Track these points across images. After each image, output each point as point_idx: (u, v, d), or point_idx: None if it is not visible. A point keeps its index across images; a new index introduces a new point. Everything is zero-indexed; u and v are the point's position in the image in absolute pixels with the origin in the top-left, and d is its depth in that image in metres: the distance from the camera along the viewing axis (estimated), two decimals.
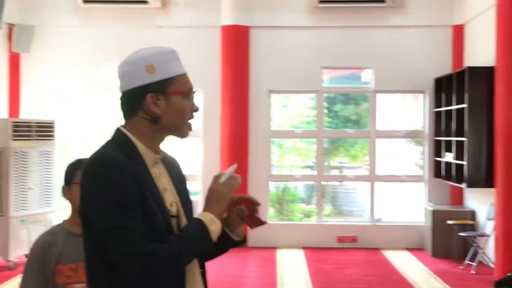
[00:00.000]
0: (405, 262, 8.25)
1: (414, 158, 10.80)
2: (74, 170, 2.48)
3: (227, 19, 9.23)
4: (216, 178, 1.93)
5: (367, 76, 9.80)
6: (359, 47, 9.39)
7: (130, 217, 1.74)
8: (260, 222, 2.02)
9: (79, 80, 9.44)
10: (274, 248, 9.12)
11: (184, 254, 1.80)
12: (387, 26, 9.32)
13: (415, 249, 9.00)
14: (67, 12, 9.48)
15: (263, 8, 9.34)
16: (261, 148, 9.51)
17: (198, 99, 9.64)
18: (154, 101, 1.87)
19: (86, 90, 9.56)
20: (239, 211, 1.99)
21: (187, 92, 1.92)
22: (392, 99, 12.55)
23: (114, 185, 1.75)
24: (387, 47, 9.36)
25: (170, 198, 1.91)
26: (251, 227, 2.03)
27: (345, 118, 15.20)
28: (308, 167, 15.04)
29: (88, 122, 9.74)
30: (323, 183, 10.18)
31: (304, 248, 9.13)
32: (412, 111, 11.81)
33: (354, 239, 9.30)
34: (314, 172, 10.49)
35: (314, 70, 9.40)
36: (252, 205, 2.01)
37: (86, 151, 9.02)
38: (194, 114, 1.95)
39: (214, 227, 1.84)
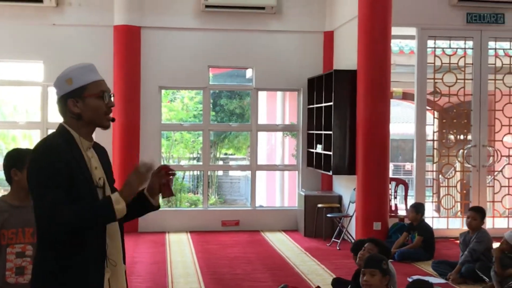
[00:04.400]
0: (280, 242, 9.29)
1: (290, 149, 11.91)
2: (24, 157, 3.19)
3: (119, 19, 9.81)
4: (136, 168, 2.62)
5: (249, 73, 10.73)
6: (241, 48, 10.29)
7: (56, 191, 2.45)
8: (171, 193, 2.73)
9: None
10: (164, 232, 9.86)
11: (87, 217, 2.48)
12: (267, 30, 10.29)
13: (290, 231, 10.08)
14: None
15: (153, 10, 10.01)
16: (152, 140, 10.15)
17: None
18: (74, 104, 2.62)
19: None
20: (160, 176, 2.70)
21: (99, 94, 2.64)
22: (271, 96, 13.65)
23: (49, 168, 2.48)
24: (267, 49, 10.32)
25: (99, 174, 2.68)
26: (163, 196, 2.73)
27: (230, 111, 16.14)
28: (194, 158, 15.86)
29: None
30: (209, 173, 10.95)
31: (191, 232, 9.92)
32: (288, 107, 12.96)
33: (236, 223, 10.21)
34: (200, 163, 11.26)
35: (202, 69, 10.20)
36: (170, 172, 2.71)
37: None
38: (111, 109, 2.68)
39: (118, 206, 2.53)
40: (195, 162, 15.31)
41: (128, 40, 9.86)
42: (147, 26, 9.98)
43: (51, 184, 2.46)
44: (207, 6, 9.92)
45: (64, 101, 2.64)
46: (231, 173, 19.86)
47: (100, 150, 2.78)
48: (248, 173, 16.93)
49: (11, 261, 3.18)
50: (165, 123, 10.90)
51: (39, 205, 2.48)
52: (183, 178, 15.16)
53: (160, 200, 2.84)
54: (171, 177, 2.74)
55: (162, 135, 10.83)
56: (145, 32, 9.98)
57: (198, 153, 15.56)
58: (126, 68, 9.82)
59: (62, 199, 2.46)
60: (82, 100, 2.63)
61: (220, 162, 16.62)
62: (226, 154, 18.96)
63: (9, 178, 3.25)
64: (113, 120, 2.72)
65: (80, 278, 2.54)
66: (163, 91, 10.54)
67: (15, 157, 3.26)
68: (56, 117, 10.10)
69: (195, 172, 15.65)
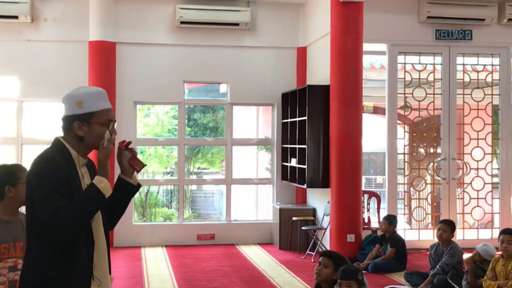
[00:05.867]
0: (256, 255, 9.39)
1: (264, 163, 12.03)
2: (17, 173, 3.28)
3: (94, 35, 9.87)
4: (100, 145, 2.70)
5: (224, 88, 10.87)
6: (216, 64, 10.42)
7: (60, 199, 2.54)
8: (142, 164, 2.82)
9: None
10: (139, 247, 9.88)
11: (80, 211, 2.57)
12: (241, 46, 10.45)
13: (265, 244, 10.19)
14: None
15: (128, 26, 10.10)
16: None
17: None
18: (80, 127, 2.71)
19: None
20: (124, 155, 2.80)
21: (105, 123, 2.74)
22: (246, 110, 13.78)
23: (52, 178, 2.57)
24: (241, 65, 10.47)
25: None
26: (137, 170, 2.81)
27: (203, 126, 16.23)
28: (168, 173, 15.89)
29: None
30: (184, 187, 10.99)
31: (167, 246, 9.96)
32: (263, 122, 13.09)
33: (212, 237, 10.29)
34: (175, 177, 11.31)
35: (177, 84, 10.30)
36: (127, 145, 2.80)
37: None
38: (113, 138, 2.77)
39: (102, 184, 2.63)
40: (169, 176, 15.34)
41: (103, 56, 9.92)
42: (122, 42, 10.05)
43: (55, 193, 2.55)
44: (182, 22, 10.04)
45: (71, 121, 2.72)
46: (205, 187, 19.88)
47: (90, 165, 2.87)
48: (222, 187, 17.00)
49: (4, 275, 3.27)
50: (141, 138, 10.95)
51: (44, 214, 2.54)
52: (158, 192, 15.17)
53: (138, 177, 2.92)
54: (132, 149, 2.83)
55: (137, 150, 10.86)
56: (120, 48, 10.06)
57: (171, 168, 15.60)
58: (101, 83, 9.82)
59: (64, 206, 2.54)
60: (88, 125, 2.72)
61: (194, 176, 16.67)
62: (199, 168, 19.01)
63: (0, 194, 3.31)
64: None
65: None
66: (138, 106, 10.60)
67: (7, 174, 3.34)
68: (30, 133, 10.11)
69: (169, 187, 15.67)
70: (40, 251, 2.62)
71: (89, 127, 2.71)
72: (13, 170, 3.35)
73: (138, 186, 2.90)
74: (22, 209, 3.49)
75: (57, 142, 2.75)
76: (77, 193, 2.65)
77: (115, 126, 2.80)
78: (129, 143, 2.86)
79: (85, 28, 9.89)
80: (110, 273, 2.87)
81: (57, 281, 2.60)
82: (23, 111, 10.00)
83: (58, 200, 2.55)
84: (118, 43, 10.03)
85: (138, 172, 2.85)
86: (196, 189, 19.26)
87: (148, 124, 14.00)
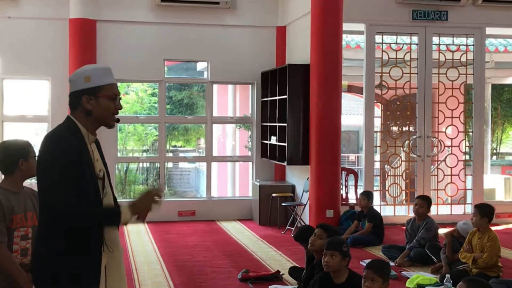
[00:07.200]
0: (237, 230, 9.59)
1: (243, 141, 12.19)
2: (28, 148, 3.47)
3: (75, 13, 9.86)
4: (152, 191, 2.83)
5: (201, 66, 10.95)
6: (196, 42, 10.49)
7: (69, 180, 2.69)
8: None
9: None
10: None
11: (93, 222, 2.75)
12: (221, 25, 10.53)
13: (245, 220, 10.40)
14: None
15: (109, 4, 10.10)
16: (108, 133, 10.22)
17: (45, 87, 10.24)
18: (88, 100, 2.84)
19: None
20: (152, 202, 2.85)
21: (112, 96, 2.87)
22: (223, 88, 13.88)
23: (61, 158, 2.70)
24: (221, 43, 10.56)
25: (99, 166, 2.90)
26: (138, 218, 2.85)
27: (179, 102, 16.30)
28: (145, 151, 15.98)
29: None
30: (160, 165, 11.02)
31: (148, 222, 10.08)
32: (240, 100, 13.23)
33: (193, 213, 10.45)
34: (155, 155, 11.40)
35: (157, 62, 10.36)
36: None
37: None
38: (118, 111, 2.91)
39: (125, 216, 2.73)
40: (145, 154, 15.43)
41: (84, 33, 9.92)
42: (102, 20, 10.06)
43: (64, 173, 2.69)
44: (162, 0, 10.09)
45: (79, 96, 2.84)
46: (181, 165, 20.00)
47: (98, 144, 2.99)
48: (198, 164, 17.12)
49: (17, 243, 3.43)
50: (120, 116, 10.98)
51: (53, 192, 2.69)
52: (137, 170, 15.26)
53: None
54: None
55: (117, 128, 10.93)
56: (100, 26, 10.07)
57: (148, 146, 15.68)
58: (81, 61, 9.78)
59: (74, 189, 2.69)
60: (95, 99, 2.84)
61: (170, 154, 16.78)
62: (175, 146, 19.10)
63: (11, 168, 3.45)
64: (118, 120, 2.93)
65: (78, 262, 2.74)
66: (118, 84, 10.63)
67: (21, 148, 3.48)
68: (11, 110, 10.12)
69: (145, 164, 15.76)
70: (50, 225, 2.76)
71: (96, 101, 2.83)
72: (25, 145, 3.51)
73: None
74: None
75: (67, 120, 2.87)
76: (87, 166, 2.77)
77: (120, 101, 2.93)
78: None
79: (65, 5, 9.87)
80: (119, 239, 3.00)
81: (69, 249, 2.72)
82: (4, 88, 9.98)
83: (67, 182, 2.68)
84: (98, 20, 10.04)
85: (137, 219, 2.87)
86: (173, 166, 19.37)
87: (127, 101, 14.03)
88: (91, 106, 2.84)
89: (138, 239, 8.86)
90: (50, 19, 9.91)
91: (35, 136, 11.32)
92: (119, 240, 2.99)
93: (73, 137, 2.80)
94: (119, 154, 11.09)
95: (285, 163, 9.56)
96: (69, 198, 2.67)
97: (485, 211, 6.23)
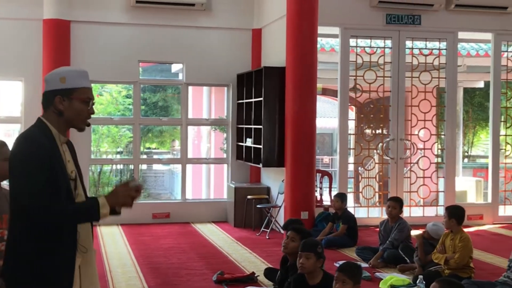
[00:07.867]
0: (212, 232, 9.59)
1: (219, 143, 12.19)
2: (1, 148, 3.39)
3: (49, 13, 9.78)
4: (129, 183, 2.81)
5: (176, 67, 10.92)
6: (172, 44, 10.48)
7: (42, 179, 2.67)
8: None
9: None
10: (94, 225, 9.89)
11: (71, 217, 2.73)
12: (196, 27, 10.53)
13: (220, 222, 10.40)
14: None
15: (83, 4, 10.03)
16: (82, 134, 10.14)
17: (18, 88, 10.13)
18: (61, 101, 2.82)
19: None
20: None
21: (85, 100, 2.85)
22: (198, 90, 13.86)
23: (34, 158, 2.69)
24: (196, 45, 10.56)
25: (71, 167, 2.88)
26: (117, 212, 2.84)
27: (153, 104, 16.25)
28: (118, 152, 15.90)
29: None
30: (135, 167, 10.96)
31: (122, 224, 10.03)
32: (215, 102, 13.23)
33: (167, 215, 10.42)
34: (126, 157, 11.33)
35: (132, 63, 10.31)
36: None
37: None
38: (91, 116, 2.89)
39: (104, 210, 2.74)
40: (119, 156, 15.35)
41: (58, 34, 9.85)
42: (77, 20, 10.00)
43: (37, 172, 2.67)
44: (137, 2, 10.05)
45: (52, 95, 2.83)
46: (155, 167, 19.94)
47: (70, 146, 2.97)
48: (172, 167, 17.07)
49: None
50: (94, 117, 10.90)
51: (26, 191, 2.67)
52: (110, 172, 15.16)
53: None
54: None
55: (90, 129, 10.85)
56: (75, 26, 10.00)
57: (122, 148, 15.60)
58: (55, 62, 9.72)
59: (47, 188, 2.68)
60: (69, 100, 2.82)
61: (144, 156, 16.71)
62: (149, 148, 19.03)
63: None
64: (88, 125, 2.93)
65: (52, 263, 2.72)
66: (92, 85, 10.56)
67: None
68: None
69: (119, 166, 15.69)
70: (24, 226, 2.72)
71: (69, 102, 2.81)
72: None
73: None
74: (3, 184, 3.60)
75: (38, 121, 2.86)
76: (59, 167, 2.76)
77: (93, 106, 2.91)
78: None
79: (39, 6, 9.79)
80: (92, 240, 2.98)
81: (42, 250, 2.70)
82: None
83: (39, 183, 2.65)
84: (72, 21, 9.97)
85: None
86: (147, 168, 19.30)
87: (101, 102, 13.95)
88: (64, 107, 2.83)
89: (112, 242, 8.80)
90: (24, 20, 9.82)
91: (6, 137, 11.20)
92: (92, 240, 2.98)
93: (44, 138, 2.79)
94: (92, 156, 11.01)
95: (260, 165, 9.59)
96: (42, 196, 2.65)
97: (453, 213, 6.33)
